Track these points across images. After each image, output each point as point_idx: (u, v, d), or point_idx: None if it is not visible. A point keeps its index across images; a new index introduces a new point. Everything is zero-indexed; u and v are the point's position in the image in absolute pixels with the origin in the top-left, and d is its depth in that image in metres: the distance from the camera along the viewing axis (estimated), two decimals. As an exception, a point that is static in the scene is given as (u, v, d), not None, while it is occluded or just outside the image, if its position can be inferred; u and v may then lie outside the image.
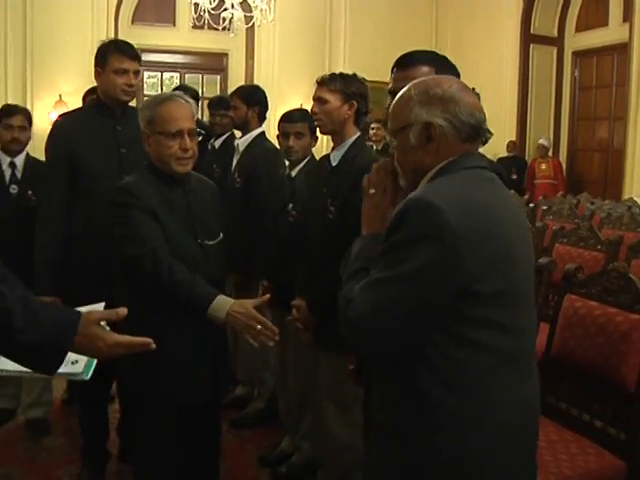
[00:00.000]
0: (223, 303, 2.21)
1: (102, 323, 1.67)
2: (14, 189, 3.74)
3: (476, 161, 1.67)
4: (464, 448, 1.54)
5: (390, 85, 2.08)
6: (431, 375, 1.55)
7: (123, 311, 1.62)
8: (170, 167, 2.36)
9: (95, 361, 1.69)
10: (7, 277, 1.70)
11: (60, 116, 3.30)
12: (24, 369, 1.57)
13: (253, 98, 4.12)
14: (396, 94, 1.76)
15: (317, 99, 2.92)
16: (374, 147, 7.07)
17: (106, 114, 3.14)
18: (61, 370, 1.60)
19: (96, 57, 3.13)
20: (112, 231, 2.35)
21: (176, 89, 5.34)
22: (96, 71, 3.14)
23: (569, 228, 5.16)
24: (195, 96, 5.11)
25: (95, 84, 3.27)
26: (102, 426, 3.28)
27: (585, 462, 2.42)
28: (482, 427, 1.55)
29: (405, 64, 2.15)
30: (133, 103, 3.37)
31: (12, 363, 1.59)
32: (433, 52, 2.23)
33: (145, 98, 9.69)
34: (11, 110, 3.89)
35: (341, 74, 2.98)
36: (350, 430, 2.84)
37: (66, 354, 1.52)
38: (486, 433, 1.55)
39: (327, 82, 2.91)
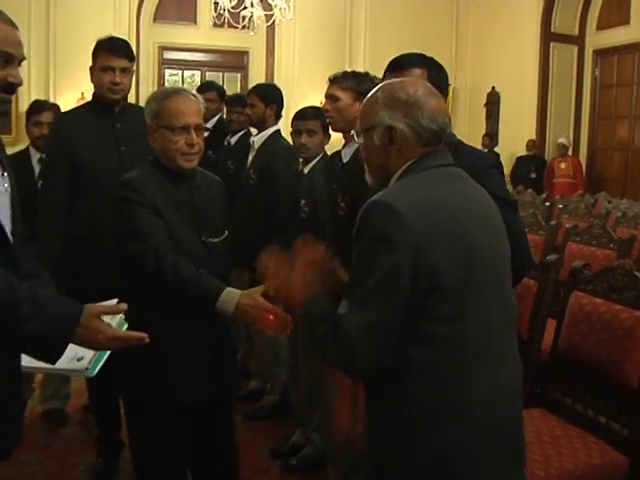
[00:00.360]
0: (232, 295, 2.15)
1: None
2: None
3: (440, 159, 1.71)
4: (443, 442, 1.57)
5: None
6: (406, 372, 1.58)
7: (123, 306, 1.68)
8: (175, 162, 2.29)
9: (104, 358, 1.72)
10: (27, 272, 1.76)
11: (58, 115, 3.29)
12: (40, 364, 1.61)
13: (270, 96, 4.16)
14: None
15: (329, 96, 2.95)
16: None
17: (103, 112, 3.12)
18: (66, 366, 1.65)
19: (92, 54, 3.10)
20: (114, 227, 2.31)
21: (202, 86, 5.37)
22: (90, 68, 3.11)
23: (583, 226, 5.14)
24: (222, 93, 5.13)
25: None
26: (115, 416, 3.32)
27: (587, 457, 2.43)
28: (459, 421, 1.58)
29: (399, 67, 2.21)
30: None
31: (27, 358, 1.65)
32: (423, 54, 2.29)
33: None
34: (40, 106, 3.90)
35: (353, 72, 3.01)
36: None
37: (67, 345, 1.57)
38: (463, 426, 1.58)
39: (339, 80, 2.95)
